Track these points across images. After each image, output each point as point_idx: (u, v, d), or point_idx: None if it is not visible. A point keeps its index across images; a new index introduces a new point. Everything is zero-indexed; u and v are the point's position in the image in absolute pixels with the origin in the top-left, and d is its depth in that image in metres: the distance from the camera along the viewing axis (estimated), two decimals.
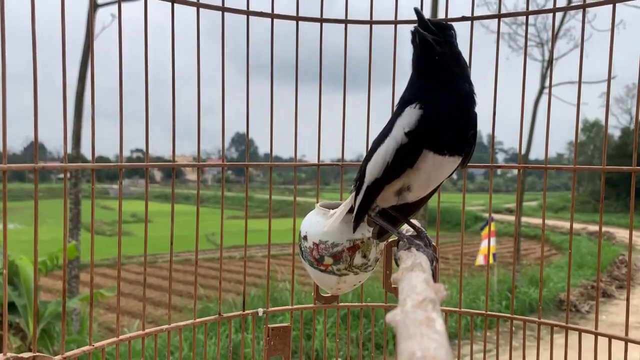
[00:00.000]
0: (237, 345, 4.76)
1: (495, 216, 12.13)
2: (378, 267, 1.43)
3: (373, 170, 1.15)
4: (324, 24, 1.58)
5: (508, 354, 1.55)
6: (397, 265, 1.04)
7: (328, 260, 1.34)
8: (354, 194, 1.26)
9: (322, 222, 1.35)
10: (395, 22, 1.60)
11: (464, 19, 1.54)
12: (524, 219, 12.23)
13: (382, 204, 1.22)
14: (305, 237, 1.38)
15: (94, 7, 1.33)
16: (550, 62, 1.52)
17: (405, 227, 1.30)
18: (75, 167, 1.34)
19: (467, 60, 1.17)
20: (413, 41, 1.11)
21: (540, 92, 12.68)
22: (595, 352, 1.40)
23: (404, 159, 1.09)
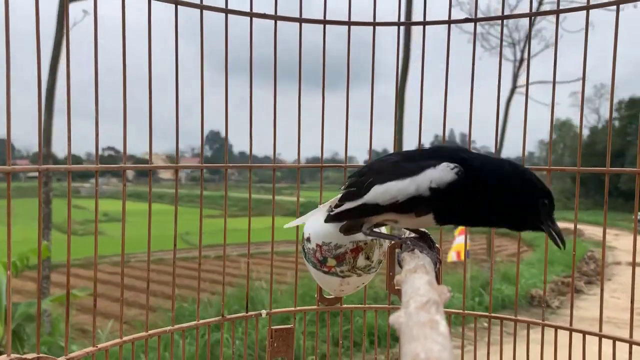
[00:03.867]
0: (216, 347, 4.71)
1: None
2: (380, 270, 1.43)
3: (378, 196, 1.12)
4: (327, 26, 1.58)
5: (511, 354, 1.55)
6: (401, 267, 1.04)
7: (331, 261, 1.33)
8: (340, 195, 1.23)
9: (325, 224, 1.32)
10: (400, 24, 1.61)
11: (467, 20, 1.57)
12: None
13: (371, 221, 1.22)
14: (308, 239, 1.36)
15: (95, 5, 1.28)
16: (554, 63, 1.52)
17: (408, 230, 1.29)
18: (79, 169, 1.31)
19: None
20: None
21: (512, 92, 12.84)
22: (599, 352, 1.43)
23: (413, 206, 1.09)
